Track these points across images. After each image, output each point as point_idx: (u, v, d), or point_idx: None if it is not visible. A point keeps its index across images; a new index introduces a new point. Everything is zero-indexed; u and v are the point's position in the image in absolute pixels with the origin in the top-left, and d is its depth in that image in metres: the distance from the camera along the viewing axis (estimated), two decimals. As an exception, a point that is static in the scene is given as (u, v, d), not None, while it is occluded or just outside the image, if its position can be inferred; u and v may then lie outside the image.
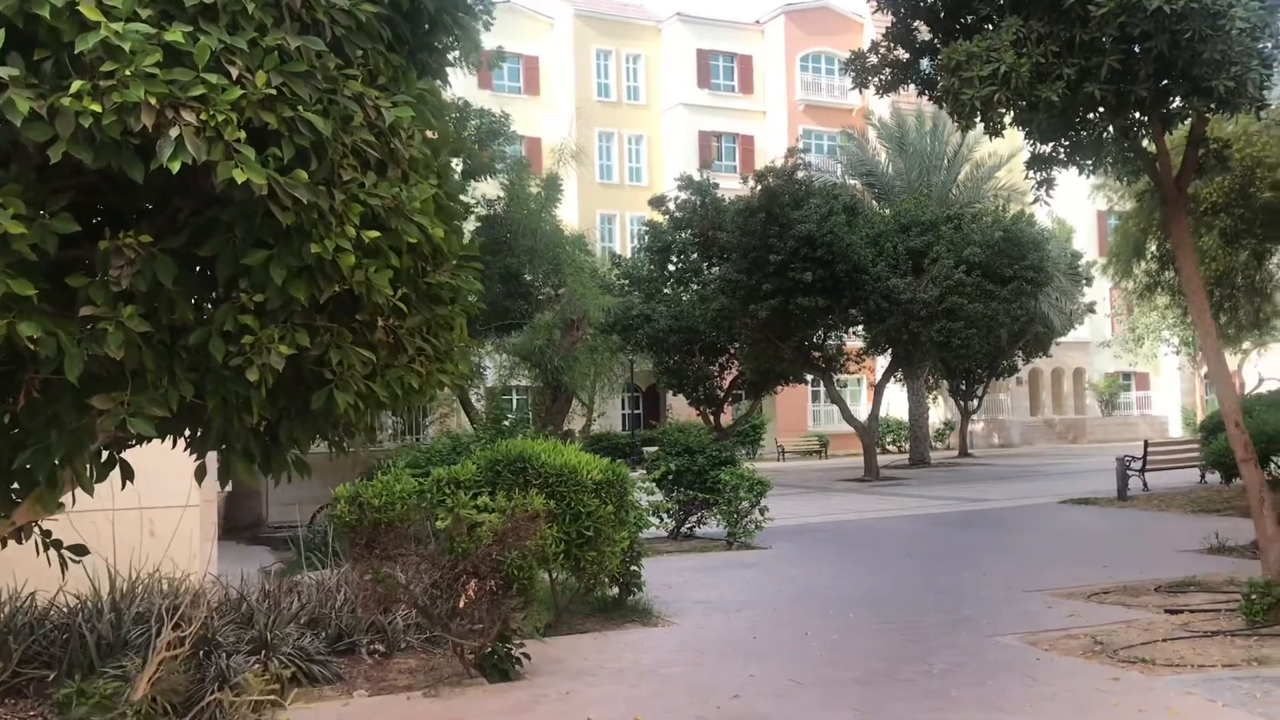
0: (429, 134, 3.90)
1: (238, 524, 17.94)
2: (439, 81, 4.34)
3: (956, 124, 10.02)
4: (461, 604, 7.58)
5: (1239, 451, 9.01)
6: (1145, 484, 21.64)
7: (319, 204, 3.17)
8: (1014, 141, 40.47)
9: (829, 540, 16.49)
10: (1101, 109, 8.60)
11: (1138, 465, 21.53)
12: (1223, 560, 12.81)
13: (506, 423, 19.06)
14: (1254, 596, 8.85)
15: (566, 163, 22.77)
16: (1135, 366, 52.07)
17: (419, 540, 8.02)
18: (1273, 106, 9.59)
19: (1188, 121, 9.23)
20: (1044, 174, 10.30)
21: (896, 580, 12.42)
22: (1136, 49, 7.85)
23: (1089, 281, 38.46)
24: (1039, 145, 10.24)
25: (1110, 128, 9.08)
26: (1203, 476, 22.64)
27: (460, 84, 39.51)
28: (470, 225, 21.49)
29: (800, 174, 27.82)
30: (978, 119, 8.58)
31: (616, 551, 9.59)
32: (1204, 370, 47.92)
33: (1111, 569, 12.50)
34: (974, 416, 43.29)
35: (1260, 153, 17.52)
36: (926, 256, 27.33)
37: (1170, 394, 55.43)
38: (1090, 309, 39.74)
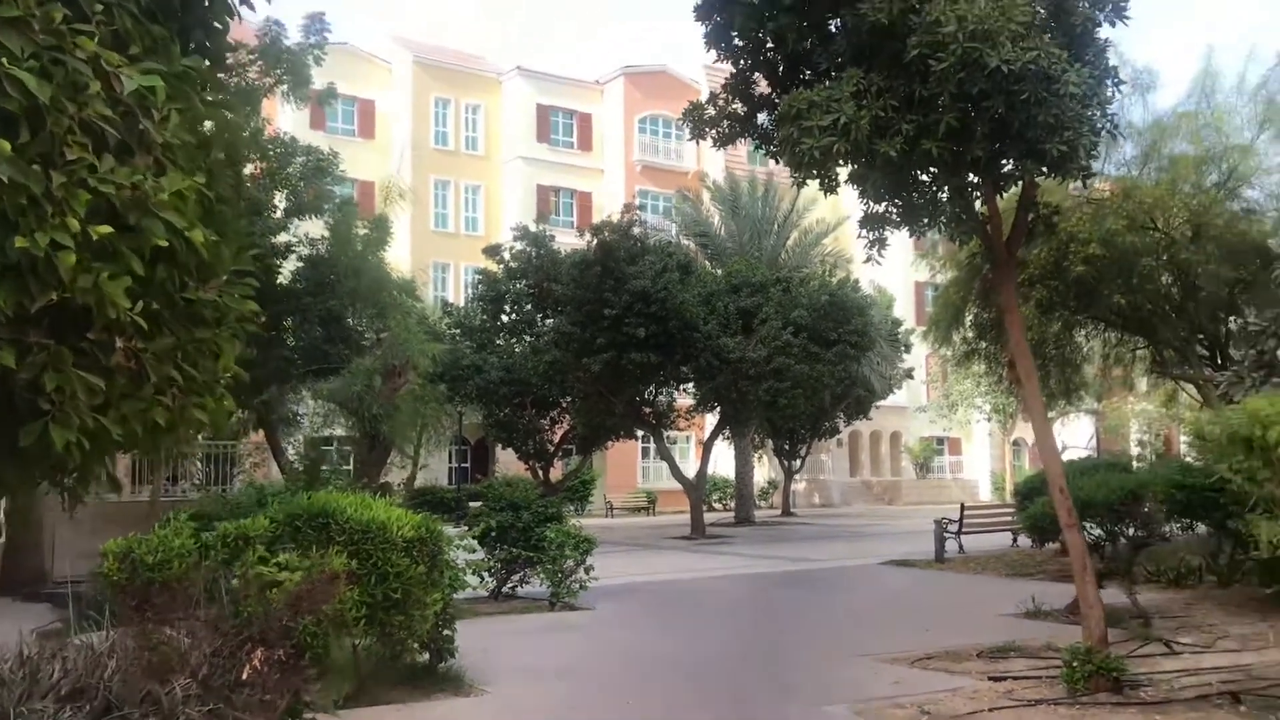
0: (205, 125, 3.26)
1: (16, 578, 16.28)
2: (224, 75, 3.72)
3: (792, 179, 9.88)
4: (245, 675, 6.74)
5: (1063, 517, 9.01)
6: (961, 546, 22.07)
7: (29, 186, 2.51)
8: (840, 209, 41.67)
9: (654, 600, 16.06)
10: (937, 168, 8.54)
11: (954, 528, 21.95)
12: (1040, 624, 12.92)
13: (325, 471, 18.03)
14: (1075, 664, 8.81)
15: (395, 201, 21.99)
16: (949, 432, 53.99)
17: (200, 602, 7.14)
18: (1098, 175, 9.78)
19: (1019, 184, 9.31)
20: (877, 234, 10.23)
21: (722, 643, 12.04)
22: (974, 109, 7.80)
23: (908, 348, 39.76)
24: (872, 204, 10.19)
25: (944, 189, 9.05)
26: (1015, 540, 23.27)
27: (291, 122, 38.34)
28: (291, 265, 20.44)
29: (636, 230, 27.77)
30: (815, 172, 8.40)
31: (428, 615, 8.88)
32: (1013, 437, 50.11)
33: (934, 633, 12.44)
34: (797, 476, 43.97)
35: (1074, 228, 18.22)
36: (756, 317, 27.59)
37: (980, 459, 57.68)
38: (909, 374, 41.04)
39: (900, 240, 42.59)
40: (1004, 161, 8.64)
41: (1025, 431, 52.73)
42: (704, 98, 11.20)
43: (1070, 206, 18.68)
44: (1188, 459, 18.71)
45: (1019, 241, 9.59)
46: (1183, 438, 49.22)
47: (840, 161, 8.10)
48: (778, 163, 10.59)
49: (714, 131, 10.94)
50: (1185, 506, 13.85)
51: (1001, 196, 9.51)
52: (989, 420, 49.13)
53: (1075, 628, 12.65)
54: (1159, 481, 13.18)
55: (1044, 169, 8.16)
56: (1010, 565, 19.59)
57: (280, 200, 19.96)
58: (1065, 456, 45.14)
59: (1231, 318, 19.58)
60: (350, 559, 7.89)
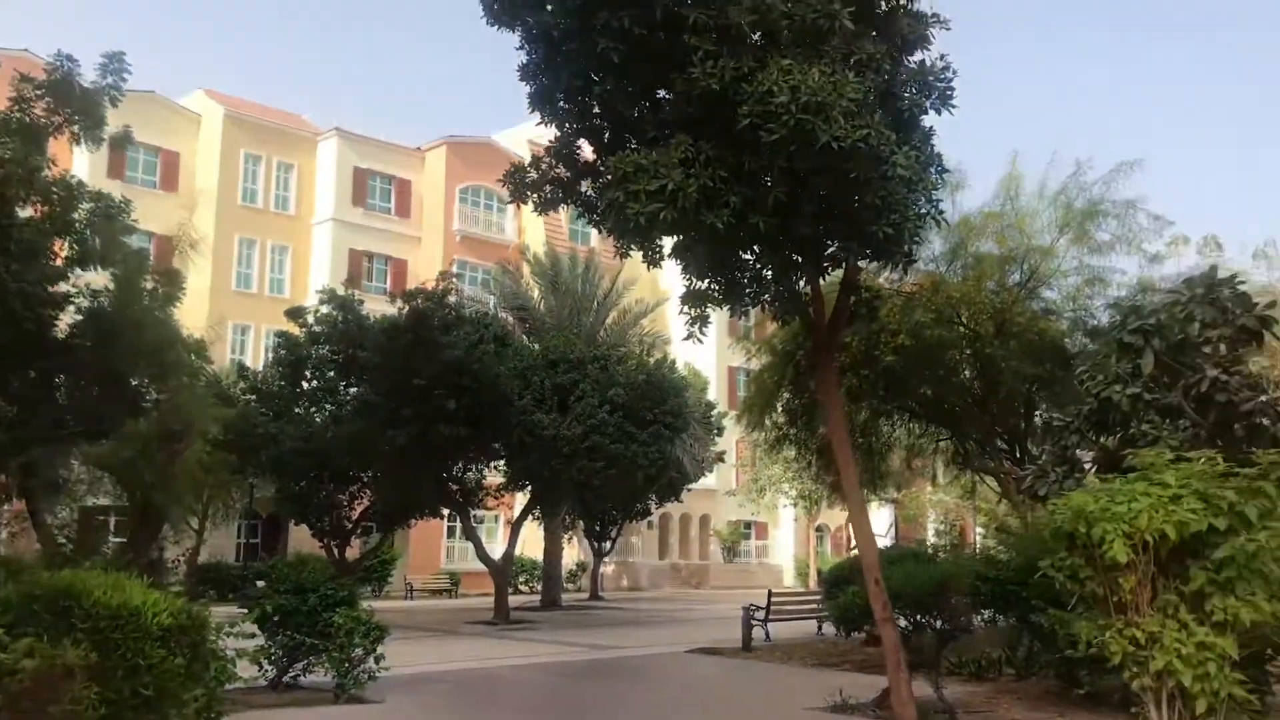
0: None
1: None
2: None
3: (615, 249, 9.47)
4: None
5: (878, 610, 8.72)
6: (768, 634, 21.84)
7: None
8: (660, 289, 41.93)
9: (450, 693, 15.03)
10: (763, 245, 8.26)
11: (761, 614, 21.71)
12: None
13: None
14: (888, 766, 8.46)
15: (185, 252, 20.57)
16: (757, 516, 54.58)
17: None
18: (915, 263, 9.73)
19: (843, 268, 9.15)
20: (699, 311, 9.89)
21: (520, 742, 11.22)
22: (802, 185, 7.56)
23: (720, 431, 39.96)
24: (695, 281, 9.87)
25: (768, 268, 8.79)
26: (820, 628, 23.24)
27: (87, 168, 36.00)
28: (70, 317, 18.77)
29: (452, 298, 26.95)
30: (639, 241, 7.98)
31: (187, 714, 7.79)
32: (817, 523, 50.98)
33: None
34: (606, 559, 43.36)
35: (885, 319, 18.52)
36: (572, 394, 27.10)
37: (786, 544, 58.50)
38: (720, 457, 41.21)
39: (715, 323, 42.89)
40: (829, 242, 8.45)
41: (829, 518, 53.87)
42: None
43: (883, 297, 19.08)
44: (991, 551, 19.04)
45: (840, 325, 9.42)
46: (978, 529, 51.26)
47: (665, 231, 7.70)
48: (601, 232, 10.20)
49: (535, 195, 10.45)
50: (989, 599, 13.92)
51: (824, 279, 9.33)
52: (795, 506, 49.89)
53: (883, 723, 12.45)
54: (964, 573, 13.21)
55: (869, 252, 7.98)
56: (816, 654, 19.41)
57: (64, 248, 18.38)
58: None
59: (1033, 413, 20.24)
60: (92, 650, 6.81)
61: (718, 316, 49.12)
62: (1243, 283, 11.36)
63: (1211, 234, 23.71)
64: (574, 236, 52.97)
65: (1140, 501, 5.98)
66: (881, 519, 57.08)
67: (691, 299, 9.85)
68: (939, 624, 12.92)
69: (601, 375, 27.70)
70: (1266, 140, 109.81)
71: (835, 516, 54.48)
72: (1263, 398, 10.50)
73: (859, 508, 9.25)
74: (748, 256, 9.50)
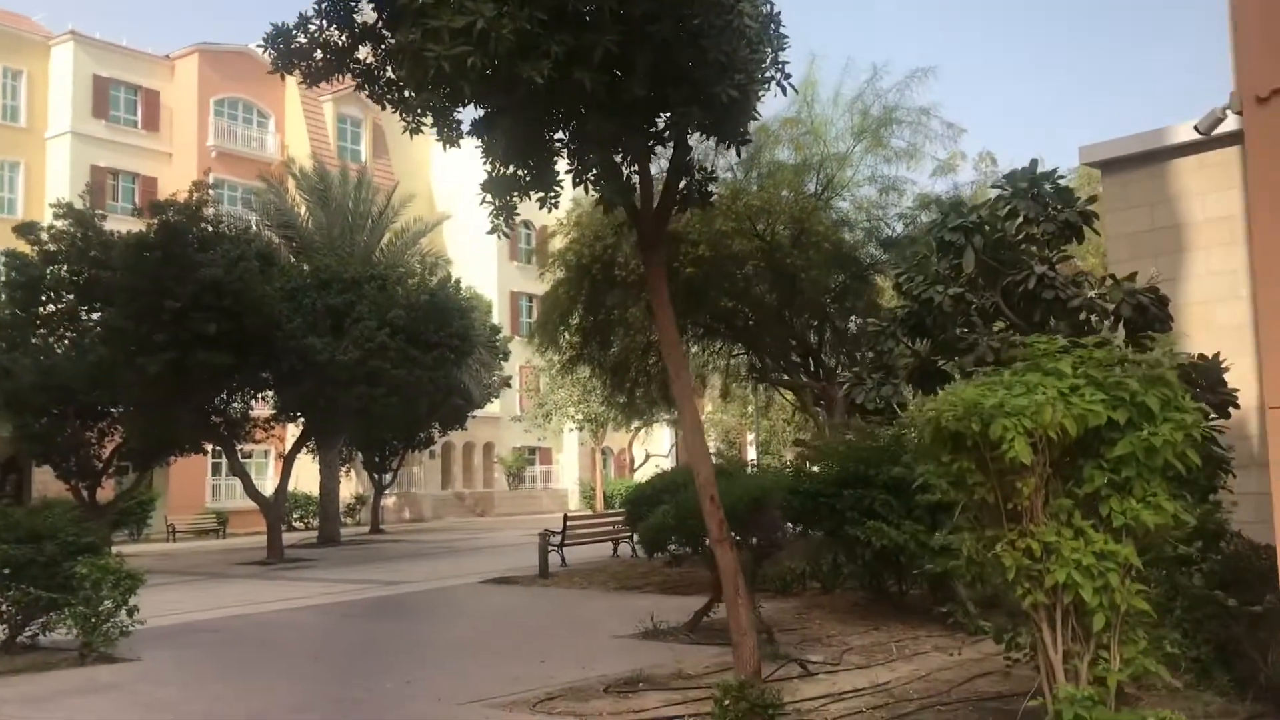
0: None
1: None
2: None
3: (404, 122, 8.03)
4: None
5: (714, 530, 7.81)
6: (564, 559, 21.02)
7: None
8: (437, 207, 39.86)
9: (218, 644, 13.38)
10: (585, 113, 7.02)
11: (557, 540, 20.82)
12: (661, 646, 11.85)
13: None
14: (727, 702, 7.60)
15: None
16: (543, 441, 53.79)
17: None
18: (717, 175, 8.72)
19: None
20: (504, 200, 8.58)
21: (302, 697, 9.83)
22: (637, 34, 6.35)
23: (506, 356, 38.64)
24: (500, 166, 8.55)
25: (588, 146, 7.56)
26: (615, 550, 22.60)
27: None
28: None
29: (209, 211, 24.34)
30: (437, 105, 6.59)
31: None
32: (602, 446, 50.66)
33: (550, 663, 11.00)
34: (387, 490, 41.48)
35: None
36: (348, 316, 25.14)
37: (570, 469, 58.06)
38: (507, 383, 39.93)
39: (495, 247, 41.39)
40: (660, 118, 7.30)
41: (614, 441, 53.69)
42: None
43: (717, 179, 18.21)
44: (791, 465, 18.67)
45: (669, 212, 8.35)
46: (753, 447, 52.19)
47: (472, 84, 6.34)
48: (385, 107, 8.72)
49: (304, 65, 8.80)
50: (799, 513, 13.41)
51: (654, 157, 8.21)
52: (581, 430, 49.35)
53: (699, 649, 11.72)
54: (778, 488, 12.60)
55: (707, 123, 6.89)
56: (617, 578, 18.71)
57: None
58: (648, 467, 46.03)
59: (829, 325, 19.97)
60: None
61: (496, 242, 47.61)
62: (1062, 177, 10.98)
63: (987, 150, 24.07)
64: (343, 154, 49.93)
65: (1042, 393, 5.20)
66: (664, 439, 57.47)
67: (495, 186, 8.54)
68: (754, 540, 12.26)
69: (380, 296, 25.81)
70: (1052, 56, 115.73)
71: (620, 439, 54.36)
72: (1091, 294, 10.15)
73: (692, 419, 8.28)
74: (561, 137, 8.25)
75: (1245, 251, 14.45)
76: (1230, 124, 15.50)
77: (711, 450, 52.37)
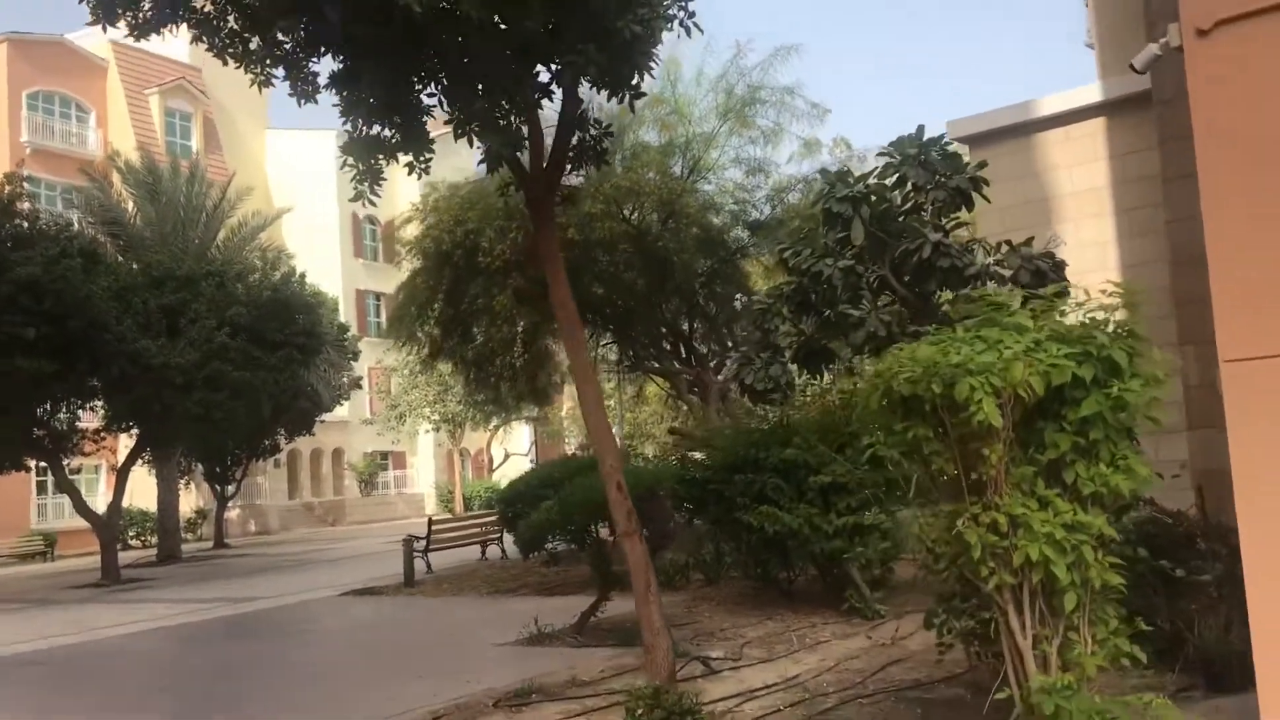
0: None
1: None
2: None
3: (254, 80, 7.03)
4: None
5: (622, 522, 7.07)
6: (430, 566, 19.94)
7: None
8: (274, 199, 37.79)
9: (45, 679, 11.94)
10: (467, 51, 6.17)
11: (422, 545, 19.71)
12: (549, 652, 11.04)
13: None
14: (639, 711, 6.89)
15: None
16: (397, 444, 52.03)
17: None
18: (644, 98, 7.99)
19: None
20: (369, 163, 7.64)
21: (150, 737, 8.68)
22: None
23: (356, 356, 36.92)
24: (363, 126, 7.61)
25: (472, 94, 6.71)
26: (484, 553, 21.64)
27: None
28: None
29: (24, 205, 22.24)
30: (291, 51, 5.65)
31: None
32: (461, 445, 49.30)
33: (429, 679, 10.08)
34: (230, 503, 39.14)
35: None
36: (184, 316, 23.38)
37: (426, 472, 56.43)
38: (358, 384, 38.25)
39: (338, 242, 39.56)
40: (552, 66, 6.50)
41: (471, 441, 52.35)
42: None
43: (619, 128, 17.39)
44: (658, 455, 18.09)
45: (561, 168, 7.56)
46: (621, 439, 51.68)
47: (335, 24, 5.43)
48: (226, 62, 7.66)
49: (130, 15, 7.65)
50: (685, 501, 12.80)
51: (541, 108, 7.39)
52: (437, 430, 47.89)
53: (591, 652, 10.95)
54: (669, 476, 11.94)
55: (604, 61, 6.13)
56: (490, 582, 17.77)
57: None
58: (508, 467, 44.93)
59: (700, 310, 19.43)
60: None
61: (340, 238, 45.59)
62: (949, 143, 10.64)
63: (841, 136, 23.99)
64: (173, 150, 47.16)
65: (1007, 348, 4.63)
66: (524, 438, 56.40)
67: (357, 148, 7.59)
68: (646, 532, 11.54)
69: (218, 294, 24.10)
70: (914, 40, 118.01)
71: (477, 439, 53.05)
72: (989, 260, 9.81)
73: (594, 398, 7.50)
74: (433, 92, 7.37)
75: (1114, 223, 14.54)
76: (1093, 95, 15.66)
77: (574, 447, 51.62)
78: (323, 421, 38.77)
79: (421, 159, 7.76)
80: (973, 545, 4.77)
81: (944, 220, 10.25)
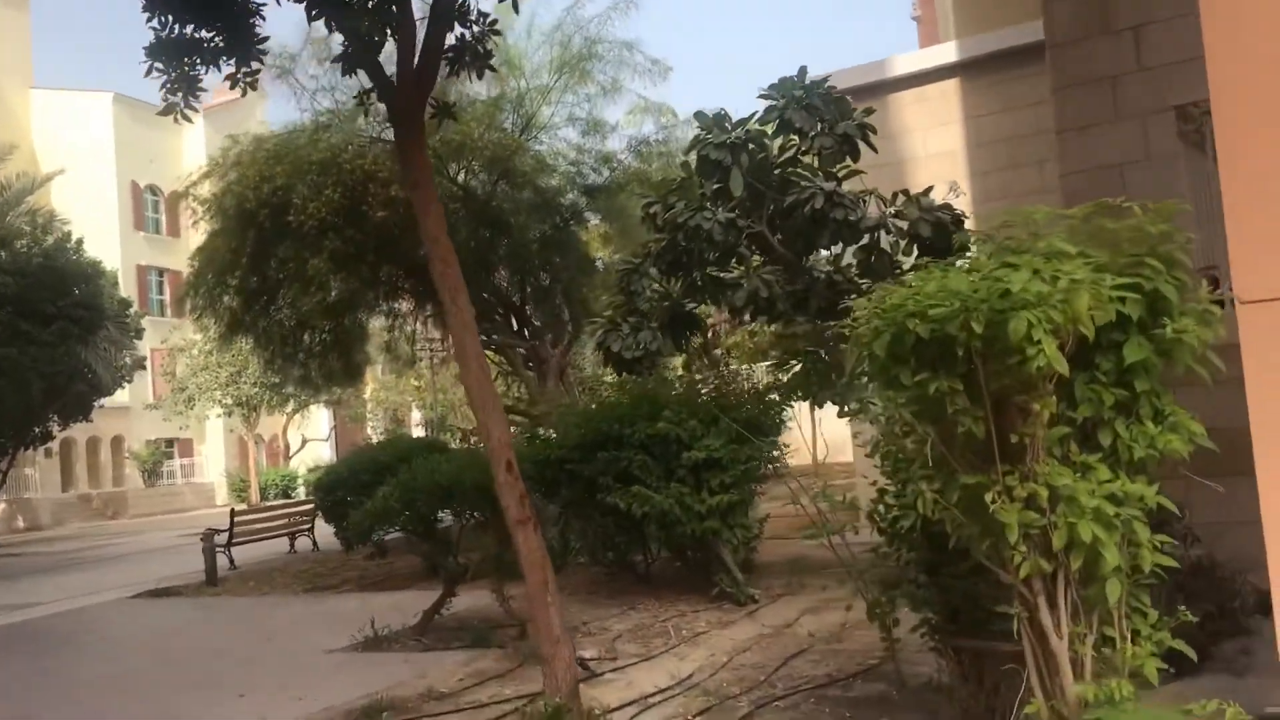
0: None
1: None
2: None
3: None
4: None
5: (513, 508, 5.82)
6: (233, 561, 17.96)
7: None
8: (40, 161, 34.04)
9: None
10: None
11: (224, 539, 17.70)
12: (390, 659, 9.66)
13: None
14: (538, 733, 5.70)
15: None
16: (185, 430, 48.36)
17: None
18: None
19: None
20: (182, 70, 6.09)
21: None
22: None
23: (139, 334, 33.67)
24: (176, 25, 6.06)
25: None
26: (293, 546, 19.78)
27: None
28: None
29: None
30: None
31: None
32: (256, 431, 46.24)
33: (254, 695, 8.59)
34: (-5, 498, 35.18)
35: (372, 166, 15.30)
36: (-66, 285, 20.43)
37: (216, 460, 52.86)
38: (141, 364, 34.94)
39: (116, 216, 36.12)
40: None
41: (265, 427, 49.22)
42: None
43: (364, 143, 15.81)
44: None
45: (434, 74, 6.19)
46: (417, 423, 49.60)
47: None
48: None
49: None
50: (538, 483, 11.56)
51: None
52: (229, 415, 44.70)
53: (440, 656, 9.59)
54: (521, 458, 10.63)
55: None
56: (305, 578, 16.04)
57: None
58: (305, 453, 42.14)
59: (532, 278, 18.12)
60: None
61: (118, 209, 41.88)
62: (834, 87, 9.78)
63: (666, 103, 23.07)
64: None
65: (1072, 274, 3.66)
66: (322, 423, 53.55)
67: (168, 49, 6.04)
68: (497, 523, 10.24)
69: (-20, 260, 21.19)
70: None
71: (272, 424, 49.97)
72: (890, 210, 9.00)
73: (477, 360, 6.18)
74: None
75: (969, 186, 14.13)
76: (949, 54, 15.25)
77: (379, 432, 49.17)
78: (101, 407, 35.38)
79: (247, 69, 6.27)
80: (1009, 526, 3.80)
81: (836, 169, 9.36)
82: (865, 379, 4.29)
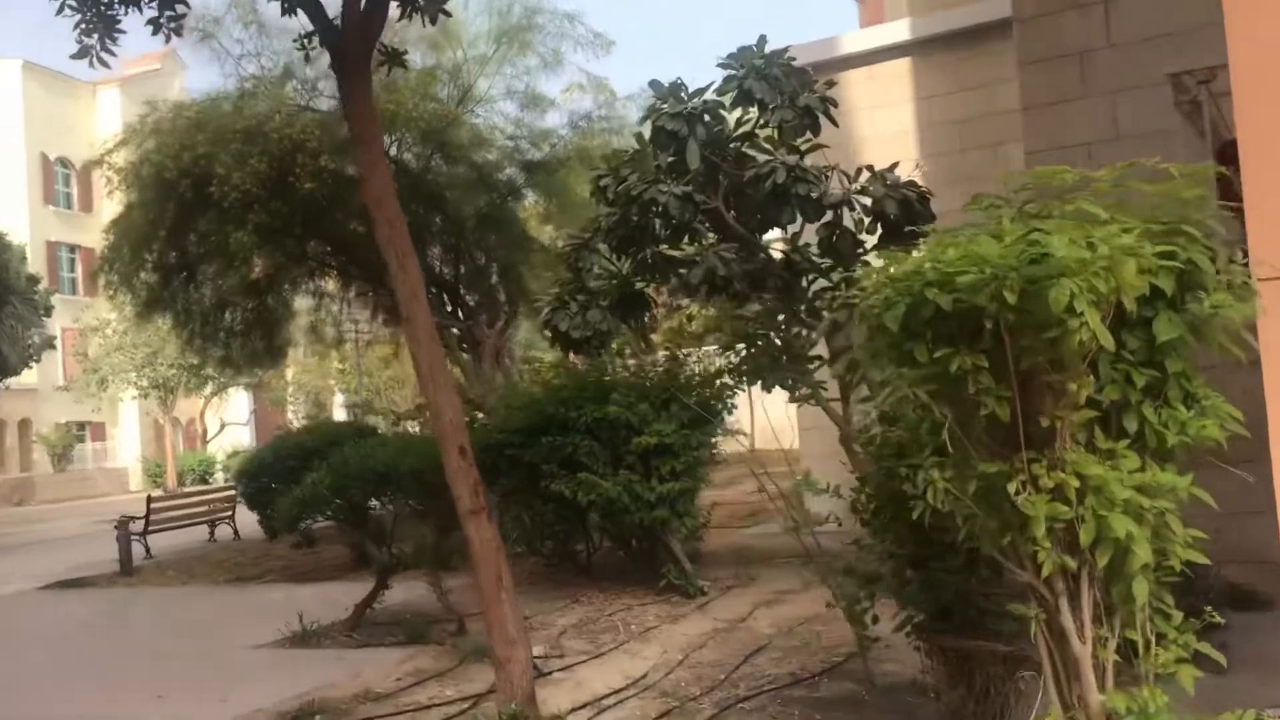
0: None
1: None
2: None
3: None
4: None
5: (465, 497, 5.31)
6: (149, 550, 17.10)
7: None
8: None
9: None
10: None
11: (139, 527, 16.82)
12: (321, 656, 9.11)
13: None
14: (492, 742, 5.23)
15: None
16: (97, 413, 46.69)
17: None
18: None
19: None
20: (98, 9, 5.47)
21: None
22: None
23: (48, 312, 32.26)
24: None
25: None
26: (212, 535, 18.95)
27: None
28: None
29: None
30: None
31: None
32: (173, 414, 44.82)
33: (173, 696, 8.00)
34: (-109, 483, 33.49)
35: (300, 135, 14.58)
36: None
37: (130, 444, 51.17)
38: (50, 343, 33.51)
39: (24, 189, 34.64)
40: None
41: (183, 410, 47.74)
42: None
43: (292, 112, 15.08)
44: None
45: (382, 19, 5.62)
46: (341, 405, 48.34)
47: None
48: None
49: None
50: (482, 470, 11.02)
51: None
52: (145, 398, 43.22)
53: (374, 653, 9.00)
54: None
55: None
56: (227, 569, 15.28)
57: None
58: (223, 438, 40.82)
59: (466, 256, 17.49)
60: None
61: (26, 182, 40.12)
62: (793, 59, 9.37)
63: (605, 78, 22.52)
64: None
65: (1113, 239, 3.28)
66: (241, 407, 52.11)
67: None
68: (436, 512, 9.69)
69: None
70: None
71: (189, 407, 48.48)
72: (854, 187, 8.63)
73: (428, 333, 5.63)
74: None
75: (919, 170, 13.85)
76: (901, 33, 14.95)
77: (301, 417, 47.90)
78: (7, 388, 33.96)
79: (171, 12, 5.66)
80: (1035, 519, 3.42)
81: (799, 141, 8.94)
82: (872, 357, 3.84)
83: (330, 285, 19.28)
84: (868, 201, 8.68)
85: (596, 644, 8.67)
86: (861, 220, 8.74)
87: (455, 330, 17.18)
